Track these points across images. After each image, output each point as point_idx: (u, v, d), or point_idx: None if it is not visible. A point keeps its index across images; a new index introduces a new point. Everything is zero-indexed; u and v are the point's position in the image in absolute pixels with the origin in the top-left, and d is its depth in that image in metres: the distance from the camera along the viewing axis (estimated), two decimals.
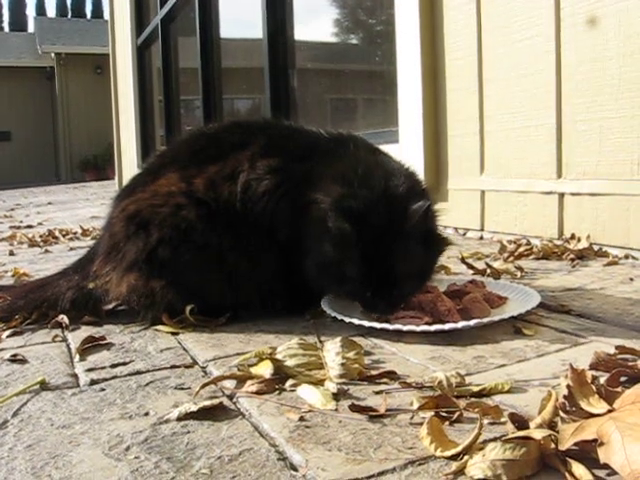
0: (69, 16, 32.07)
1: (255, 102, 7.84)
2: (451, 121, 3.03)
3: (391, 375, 1.18)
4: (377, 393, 1.11)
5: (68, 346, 1.50)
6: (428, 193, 1.66)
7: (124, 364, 1.33)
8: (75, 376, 1.28)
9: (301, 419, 1.01)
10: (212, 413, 1.05)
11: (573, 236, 2.40)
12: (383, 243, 1.47)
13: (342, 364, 1.18)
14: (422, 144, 3.10)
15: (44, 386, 1.22)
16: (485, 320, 1.41)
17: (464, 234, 2.99)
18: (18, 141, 20.10)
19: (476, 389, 1.09)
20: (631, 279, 1.90)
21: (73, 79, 19.40)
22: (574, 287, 1.83)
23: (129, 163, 9.74)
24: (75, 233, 3.84)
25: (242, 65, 7.26)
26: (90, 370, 1.30)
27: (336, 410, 1.04)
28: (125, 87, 9.73)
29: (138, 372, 1.28)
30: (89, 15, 33.62)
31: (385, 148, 1.80)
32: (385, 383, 1.15)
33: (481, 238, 2.87)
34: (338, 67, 5.37)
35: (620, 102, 2.21)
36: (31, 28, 26.52)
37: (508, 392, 1.09)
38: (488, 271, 1.99)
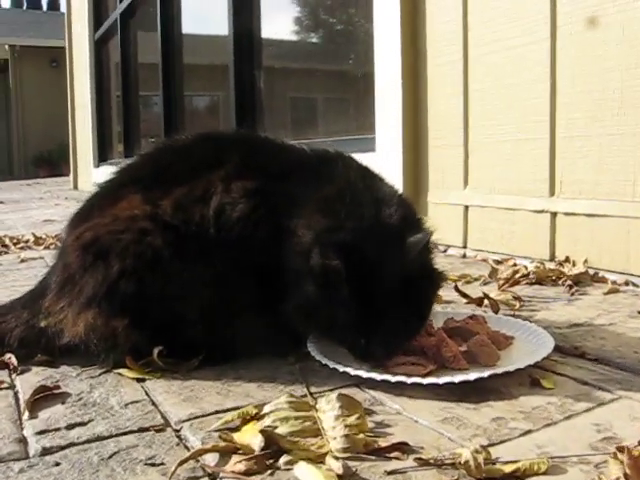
0: (24, 7, 31.29)
1: (214, 99, 7.64)
2: (433, 130, 2.86)
3: (403, 447, 1.00)
4: (390, 474, 0.93)
5: (16, 395, 1.29)
6: (423, 223, 1.48)
7: (82, 424, 1.13)
8: (24, 441, 1.07)
9: None
10: None
11: (567, 259, 2.25)
12: (377, 281, 1.29)
13: (345, 435, 1.00)
14: (401, 154, 2.92)
15: None
16: (500, 371, 1.24)
17: (445, 251, 2.83)
18: None
19: (508, 469, 0.92)
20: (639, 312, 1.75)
21: (28, 72, 18.87)
22: (580, 322, 1.67)
23: (85, 160, 9.45)
24: (27, 241, 3.58)
25: (203, 62, 7.04)
26: (42, 433, 1.10)
27: None
28: (82, 82, 9.43)
29: (99, 437, 1.08)
30: (45, 7, 32.77)
31: (360, 156, 1.63)
32: (397, 458, 0.97)
33: (464, 256, 2.71)
34: (309, 67, 5.18)
35: (622, 118, 2.06)
36: None
37: (545, 473, 0.91)
38: (485, 302, 1.82)
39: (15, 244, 3.50)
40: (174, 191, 1.42)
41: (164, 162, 1.53)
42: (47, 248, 3.29)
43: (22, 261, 2.98)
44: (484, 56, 2.59)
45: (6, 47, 18.84)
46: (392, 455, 0.98)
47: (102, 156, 8.86)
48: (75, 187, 9.76)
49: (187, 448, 1.03)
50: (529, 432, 1.05)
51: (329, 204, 1.38)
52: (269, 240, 1.39)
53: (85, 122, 9.31)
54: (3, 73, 19.62)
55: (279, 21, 5.23)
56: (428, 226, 1.46)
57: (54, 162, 17.62)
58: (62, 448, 1.04)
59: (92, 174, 8.52)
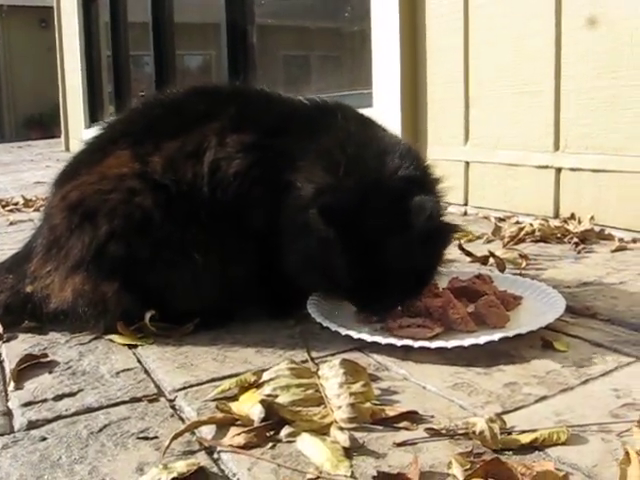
0: None
1: (206, 58, 7.50)
2: (432, 84, 2.77)
3: (412, 416, 0.94)
4: (399, 445, 0.87)
5: (1, 364, 1.23)
6: (429, 173, 1.41)
7: (71, 395, 1.07)
8: (9, 414, 1.01)
9: None
10: None
11: (572, 216, 2.18)
12: (376, 246, 1.22)
13: (351, 404, 0.93)
14: (399, 109, 2.84)
15: None
16: (511, 334, 1.18)
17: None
18: None
19: (526, 440, 0.86)
20: None
21: (16, 33, 18.51)
22: (590, 281, 1.61)
23: (76, 121, 9.28)
24: (16, 204, 3.49)
25: (195, 20, 6.89)
26: (28, 405, 1.03)
27: (352, 477, 0.79)
28: (71, 42, 9.22)
29: (89, 409, 1.01)
30: None
31: None
32: (406, 429, 0.91)
33: (465, 214, 2.64)
34: (303, 23, 5.04)
35: (636, 70, 1.97)
36: None
37: (565, 443, 0.86)
38: (491, 260, 1.76)
39: (4, 207, 3.41)
40: (165, 146, 1.34)
41: (154, 116, 1.44)
42: (37, 210, 3.20)
43: (11, 224, 2.90)
44: (486, 6, 2.49)
45: None
46: (401, 425, 0.92)
47: (93, 117, 8.70)
48: (67, 149, 9.60)
49: (182, 419, 0.97)
50: (544, 398, 1.00)
51: (329, 157, 1.30)
52: (268, 198, 1.32)
53: (75, 83, 9.13)
54: None
55: None
56: (436, 176, 1.38)
57: (45, 124, 17.37)
58: (49, 421, 0.98)
59: (83, 135, 8.39)
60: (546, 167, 2.28)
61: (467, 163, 2.64)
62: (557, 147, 2.25)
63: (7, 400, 1.06)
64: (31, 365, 1.19)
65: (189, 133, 1.37)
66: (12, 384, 1.11)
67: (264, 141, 1.36)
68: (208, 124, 1.38)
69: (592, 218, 2.10)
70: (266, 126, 1.39)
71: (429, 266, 1.32)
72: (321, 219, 1.21)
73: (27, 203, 3.47)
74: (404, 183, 1.26)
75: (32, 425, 0.97)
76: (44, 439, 0.92)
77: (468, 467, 0.78)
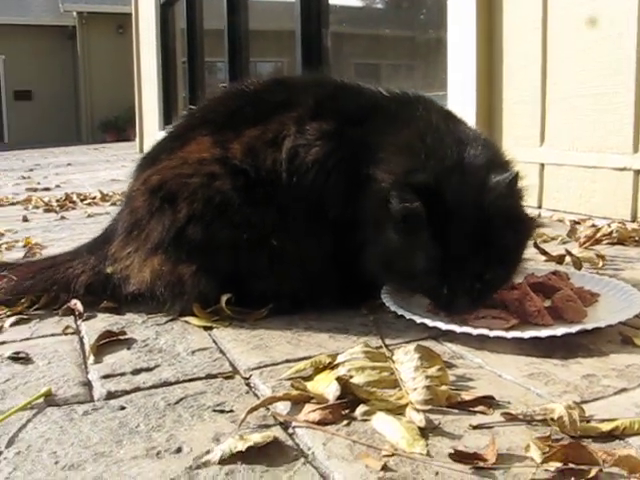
0: None
1: (278, 65, 7.58)
2: (508, 86, 2.74)
3: (488, 401, 0.92)
4: (475, 428, 0.86)
5: (81, 340, 1.26)
6: (511, 165, 1.39)
7: (148, 370, 1.09)
8: (89, 385, 1.04)
9: (384, 468, 0.76)
10: (264, 452, 0.80)
11: None
12: (460, 225, 1.20)
13: (426, 387, 0.93)
14: (474, 110, 2.81)
15: (50, 399, 0.98)
16: (589, 326, 1.15)
17: None
18: (39, 100, 19.80)
19: (606, 428, 0.84)
20: None
21: (95, 39, 19.03)
22: None
23: (150, 125, 9.49)
24: (94, 198, 3.59)
25: (269, 28, 6.96)
26: (107, 377, 1.06)
27: (428, 455, 0.79)
28: (147, 47, 9.44)
29: (165, 383, 1.03)
30: None
31: None
32: (482, 412, 0.90)
33: (539, 216, 2.57)
34: (377, 31, 5.04)
35: None
36: None
37: None
38: (567, 259, 1.72)
39: (82, 200, 3.51)
40: (245, 134, 1.36)
41: (235, 105, 1.47)
42: (113, 205, 3.29)
43: (89, 216, 2.98)
44: (565, 9, 2.45)
45: (74, 14, 19.02)
46: (477, 409, 0.91)
47: (167, 121, 8.87)
48: (141, 150, 9.80)
49: (257, 396, 0.98)
50: (624, 390, 0.97)
51: (410, 146, 1.30)
52: (345, 186, 1.33)
53: (151, 87, 9.33)
54: (71, 40, 19.84)
55: None
56: (516, 169, 1.36)
57: (120, 127, 17.80)
58: (127, 392, 1.00)
59: (158, 138, 8.55)
60: (624, 169, 2.23)
61: (542, 165, 2.59)
62: (636, 149, 2.19)
63: (87, 372, 1.09)
64: (109, 342, 1.22)
65: (268, 121, 1.38)
66: (92, 357, 1.14)
67: (343, 130, 1.36)
68: (287, 113, 1.39)
69: None
70: (345, 115, 1.40)
71: (514, 251, 1.29)
72: (407, 194, 1.18)
73: (104, 197, 3.57)
74: (485, 166, 1.25)
75: (111, 395, 0.99)
76: (123, 408, 0.94)
77: (547, 450, 0.77)
